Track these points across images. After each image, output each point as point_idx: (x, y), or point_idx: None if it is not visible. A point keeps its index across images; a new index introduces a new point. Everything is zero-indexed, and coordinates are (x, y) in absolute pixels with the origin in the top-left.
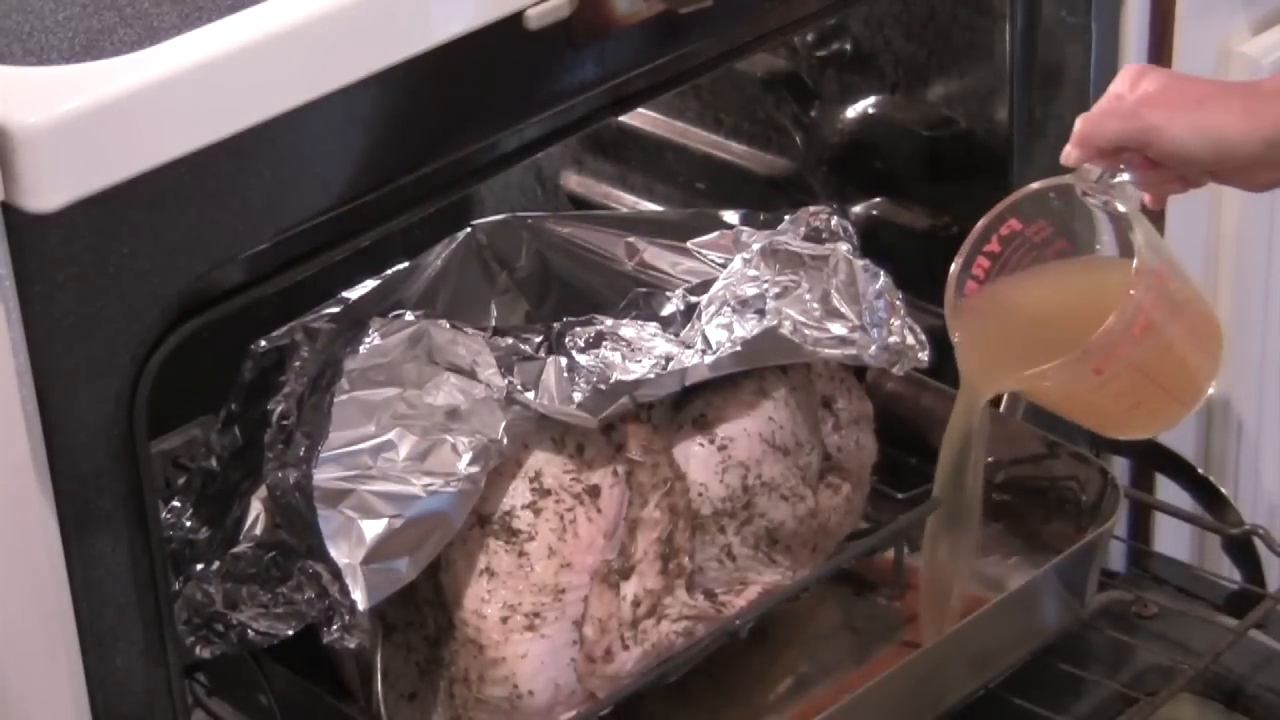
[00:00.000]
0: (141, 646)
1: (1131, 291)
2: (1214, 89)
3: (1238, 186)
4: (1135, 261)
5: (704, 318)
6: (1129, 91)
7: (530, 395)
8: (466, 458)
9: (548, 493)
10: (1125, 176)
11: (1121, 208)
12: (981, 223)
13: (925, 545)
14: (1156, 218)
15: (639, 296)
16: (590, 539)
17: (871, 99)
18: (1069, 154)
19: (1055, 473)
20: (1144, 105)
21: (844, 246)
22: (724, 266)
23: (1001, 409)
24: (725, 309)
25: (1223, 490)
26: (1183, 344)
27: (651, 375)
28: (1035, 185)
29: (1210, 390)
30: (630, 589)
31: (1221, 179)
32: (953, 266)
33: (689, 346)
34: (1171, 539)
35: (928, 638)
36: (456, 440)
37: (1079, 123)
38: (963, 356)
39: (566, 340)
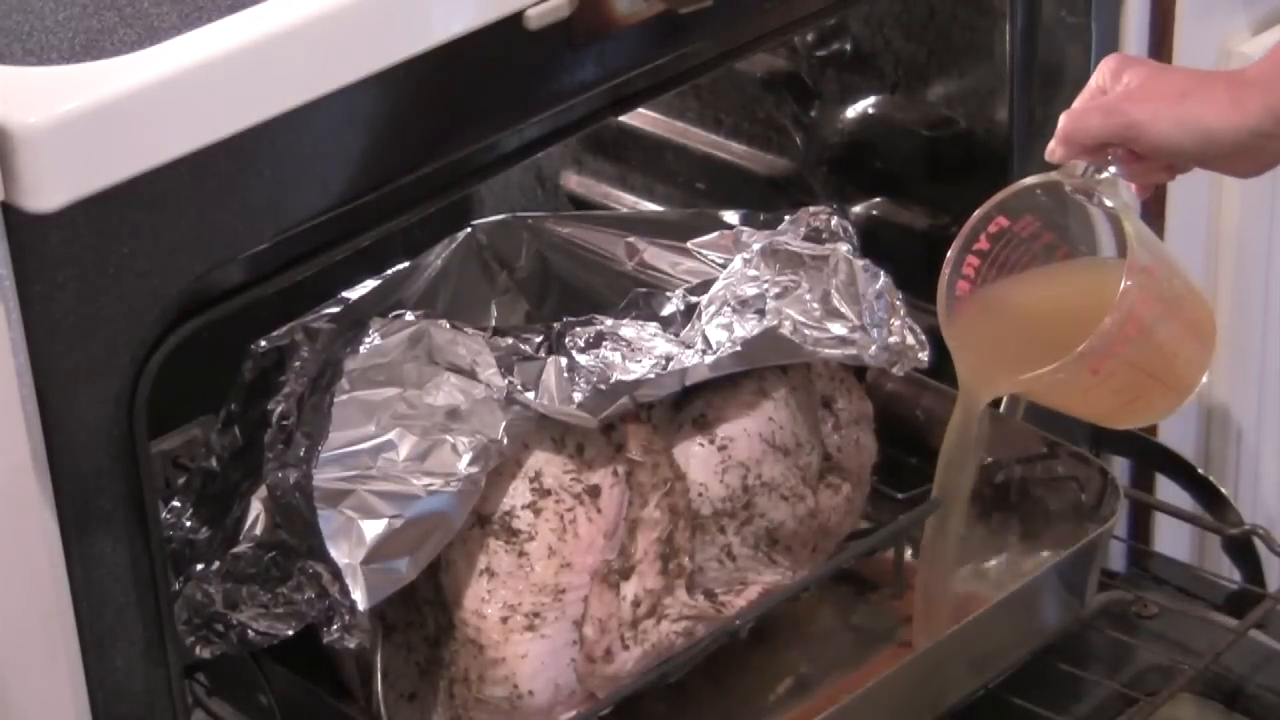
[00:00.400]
0: (141, 646)
1: (1124, 290)
2: (1196, 80)
3: (1224, 173)
4: (1127, 260)
5: (704, 318)
6: (1111, 85)
7: (530, 395)
8: (466, 458)
9: (548, 493)
10: (1112, 170)
11: (1109, 202)
12: (969, 223)
13: (923, 547)
14: (1155, 218)
15: (639, 296)
16: (590, 539)
17: (871, 99)
18: (1053, 151)
19: (1055, 473)
20: (1126, 101)
21: (844, 246)
22: (724, 266)
23: (1001, 409)
24: (725, 309)
25: (1223, 490)
26: (1177, 336)
27: (651, 375)
28: (1022, 183)
29: (1205, 378)
30: (630, 589)
31: (1207, 167)
32: (943, 273)
33: (689, 346)
34: (1171, 539)
35: (918, 638)
36: (456, 440)
37: (1063, 120)
38: (959, 362)
39: (566, 340)
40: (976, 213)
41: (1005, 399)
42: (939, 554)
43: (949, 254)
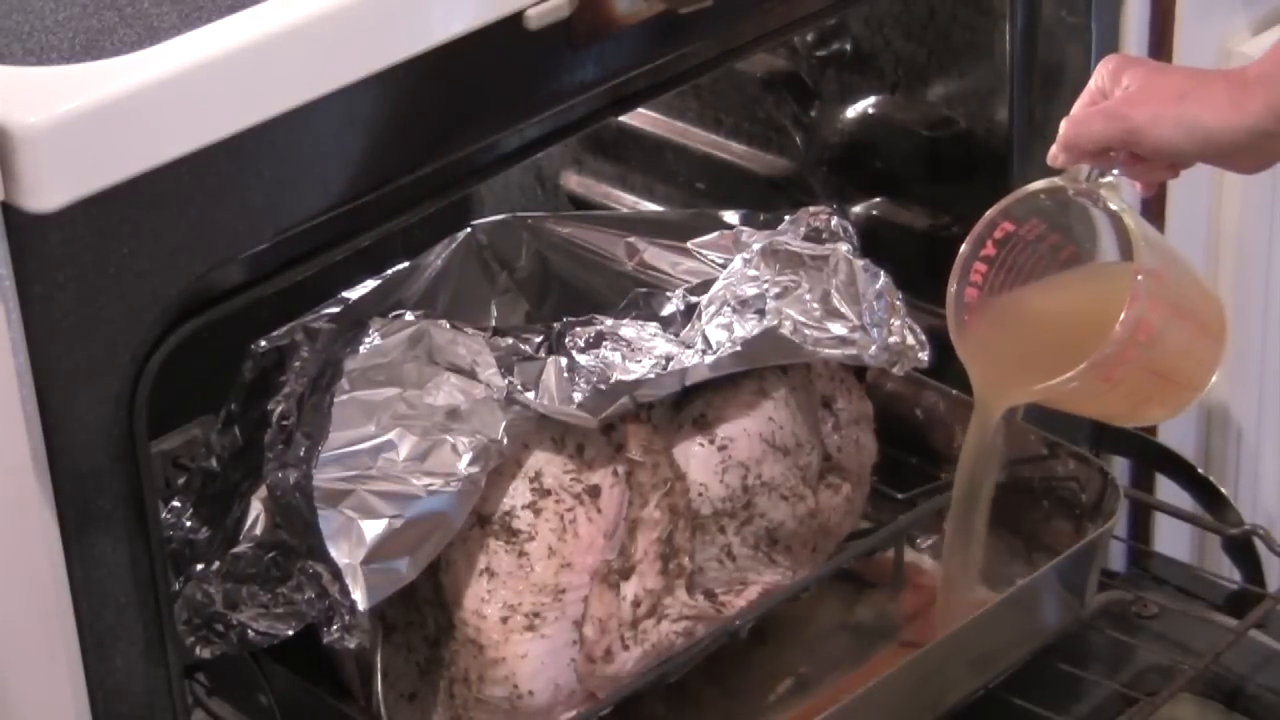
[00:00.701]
0: (141, 646)
1: (1133, 297)
2: (1195, 80)
3: (1227, 169)
4: (1134, 266)
5: (704, 318)
6: (1110, 87)
7: (530, 395)
8: (466, 458)
9: (548, 493)
10: (1115, 173)
11: (1113, 205)
12: (974, 231)
13: (945, 555)
14: (1156, 217)
15: (639, 296)
16: (590, 539)
17: (871, 99)
18: (1055, 156)
19: (1055, 473)
20: (1126, 105)
21: (844, 246)
22: (724, 267)
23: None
24: (725, 309)
25: (1223, 490)
26: (1188, 335)
27: (651, 375)
28: (1025, 188)
29: (1217, 374)
30: (630, 589)
31: (1210, 163)
32: (950, 287)
33: (689, 346)
34: (1171, 539)
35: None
36: (456, 440)
37: (1063, 126)
38: (972, 374)
39: (566, 340)
40: (982, 219)
41: None
42: (961, 561)
43: (955, 266)
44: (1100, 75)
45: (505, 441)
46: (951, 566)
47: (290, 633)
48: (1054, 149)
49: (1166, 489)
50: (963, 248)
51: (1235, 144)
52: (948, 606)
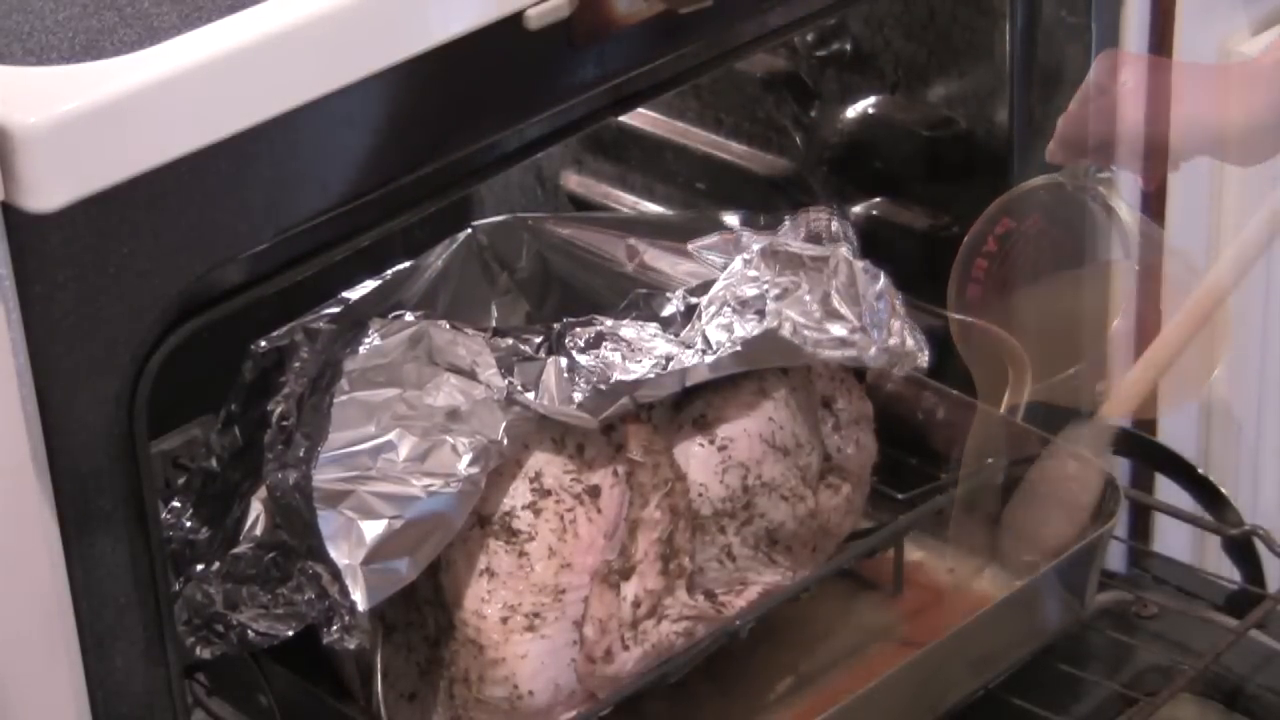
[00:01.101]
0: (141, 646)
1: (1131, 293)
2: (1194, 77)
3: (1226, 162)
4: (1133, 262)
5: (704, 318)
6: (1108, 83)
7: (530, 396)
8: (466, 458)
9: (548, 493)
10: (1114, 168)
11: (1111, 201)
12: (974, 229)
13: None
14: (1155, 215)
15: (639, 297)
16: (590, 539)
17: (871, 99)
18: (1053, 153)
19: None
20: (1124, 101)
21: (844, 248)
22: (724, 268)
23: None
24: (725, 310)
25: (1223, 490)
26: (1190, 329)
27: (651, 375)
28: (1025, 185)
29: (1221, 367)
30: (630, 589)
31: (1210, 155)
32: (952, 282)
33: (689, 347)
34: (1171, 539)
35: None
36: (456, 441)
37: (1061, 123)
38: (976, 375)
39: (567, 341)
40: (983, 215)
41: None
42: (967, 560)
43: (957, 261)
44: (1098, 70)
45: (505, 442)
46: (958, 564)
47: (290, 633)
48: (1052, 145)
49: (1166, 489)
50: (964, 243)
51: (1237, 138)
52: (956, 605)
